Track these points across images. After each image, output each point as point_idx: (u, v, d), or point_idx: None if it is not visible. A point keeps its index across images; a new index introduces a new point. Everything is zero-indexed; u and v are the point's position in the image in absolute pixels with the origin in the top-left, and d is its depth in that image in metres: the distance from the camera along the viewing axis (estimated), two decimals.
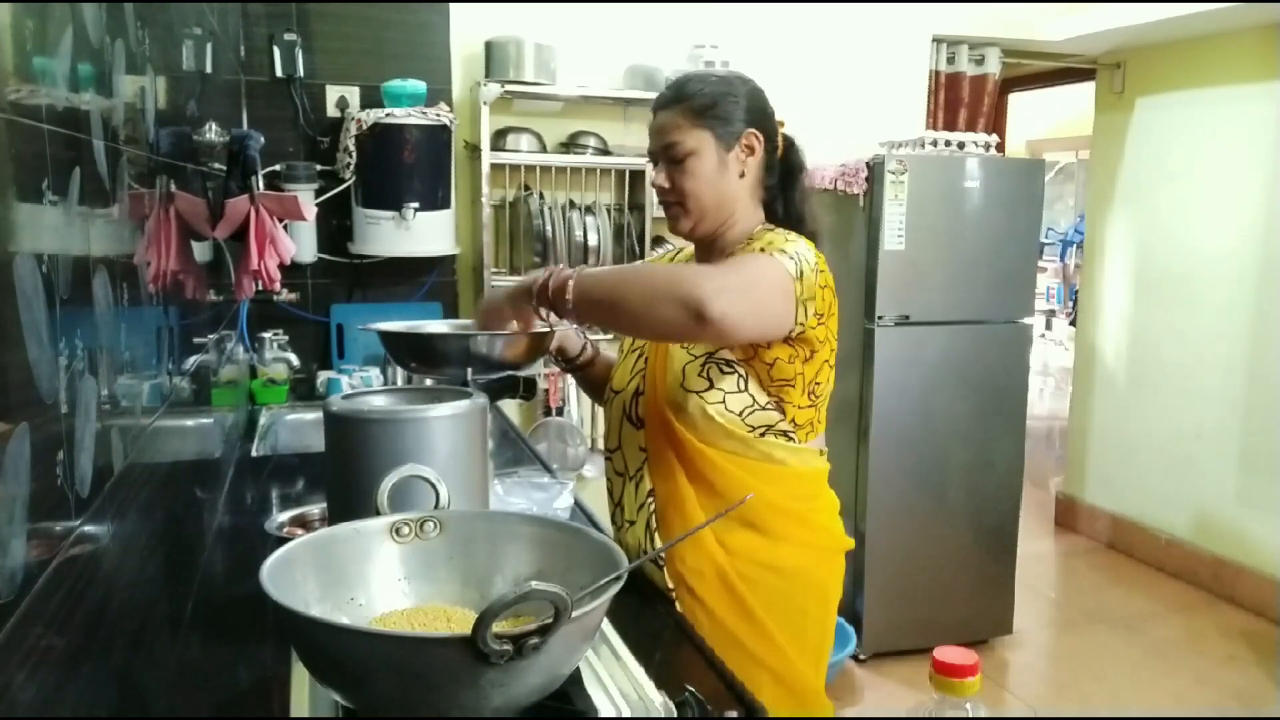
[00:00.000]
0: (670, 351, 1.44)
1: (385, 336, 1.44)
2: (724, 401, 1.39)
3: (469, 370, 1.38)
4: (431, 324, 1.57)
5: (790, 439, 1.42)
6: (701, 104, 1.41)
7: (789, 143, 1.52)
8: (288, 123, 3.00)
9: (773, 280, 1.30)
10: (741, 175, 1.43)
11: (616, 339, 1.65)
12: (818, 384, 1.42)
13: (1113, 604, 3.76)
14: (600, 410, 3.47)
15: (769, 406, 1.40)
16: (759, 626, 1.40)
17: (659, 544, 1.43)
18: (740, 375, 1.39)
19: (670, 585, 1.43)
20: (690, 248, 1.59)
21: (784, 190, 1.51)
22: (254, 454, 2.30)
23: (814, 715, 1.45)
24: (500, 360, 1.39)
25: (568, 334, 1.62)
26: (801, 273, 1.32)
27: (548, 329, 1.42)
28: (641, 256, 3.35)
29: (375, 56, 3.05)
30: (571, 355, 1.65)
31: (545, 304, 1.32)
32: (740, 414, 1.39)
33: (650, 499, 1.46)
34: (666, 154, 1.43)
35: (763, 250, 1.34)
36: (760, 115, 1.45)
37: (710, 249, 1.48)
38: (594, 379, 1.67)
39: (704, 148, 1.40)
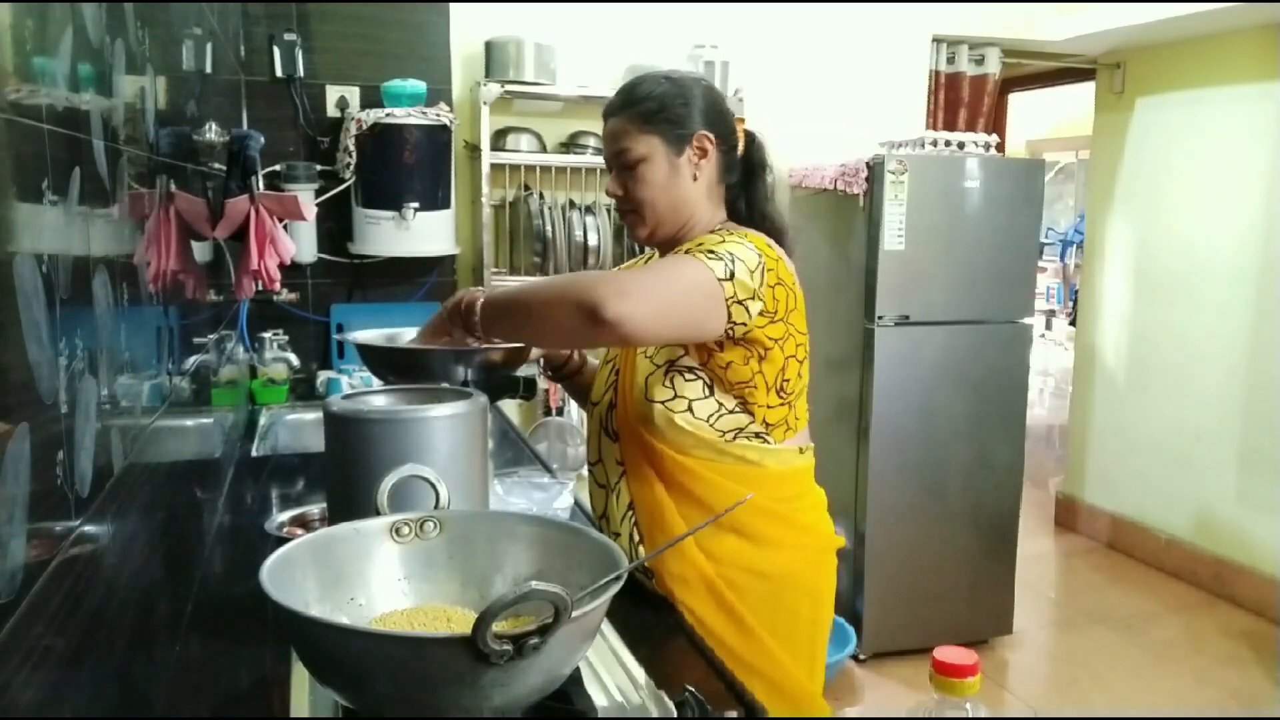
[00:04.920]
0: (636, 364, 1.42)
1: (363, 349, 1.44)
2: (690, 409, 1.37)
3: (468, 374, 1.38)
4: (409, 333, 1.55)
5: (765, 440, 1.40)
6: (649, 109, 1.39)
7: (750, 139, 1.49)
8: (288, 123, 2.99)
9: (688, 281, 1.26)
10: (695, 178, 1.41)
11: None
12: (786, 380, 1.39)
13: (1113, 604, 3.76)
14: None
15: (736, 410, 1.38)
16: (748, 632, 1.38)
17: (643, 555, 1.41)
18: (704, 381, 1.37)
19: (660, 596, 1.42)
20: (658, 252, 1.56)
21: (746, 189, 1.49)
22: (254, 454, 2.30)
23: (812, 717, 1.44)
24: (476, 373, 1.39)
25: None
26: (733, 273, 1.27)
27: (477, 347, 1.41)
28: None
29: (375, 56, 3.05)
30: (558, 364, 1.64)
31: (459, 323, 1.32)
32: (708, 420, 1.37)
33: (631, 511, 1.44)
34: (618, 161, 1.41)
35: (689, 251, 1.31)
36: (713, 116, 1.42)
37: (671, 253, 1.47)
38: (583, 387, 1.64)
39: (654, 153, 1.39)
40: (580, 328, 1.20)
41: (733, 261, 1.28)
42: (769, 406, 1.39)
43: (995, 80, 4.04)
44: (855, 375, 3.15)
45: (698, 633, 1.32)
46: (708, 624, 1.37)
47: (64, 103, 0.79)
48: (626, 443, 1.44)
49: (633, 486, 1.44)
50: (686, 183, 1.41)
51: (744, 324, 1.31)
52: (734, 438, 1.38)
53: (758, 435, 1.40)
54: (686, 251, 1.32)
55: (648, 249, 1.60)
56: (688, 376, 1.37)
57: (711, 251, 1.29)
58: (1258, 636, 3.45)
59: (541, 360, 1.62)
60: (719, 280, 1.26)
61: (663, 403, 1.37)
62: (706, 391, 1.37)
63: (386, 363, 1.45)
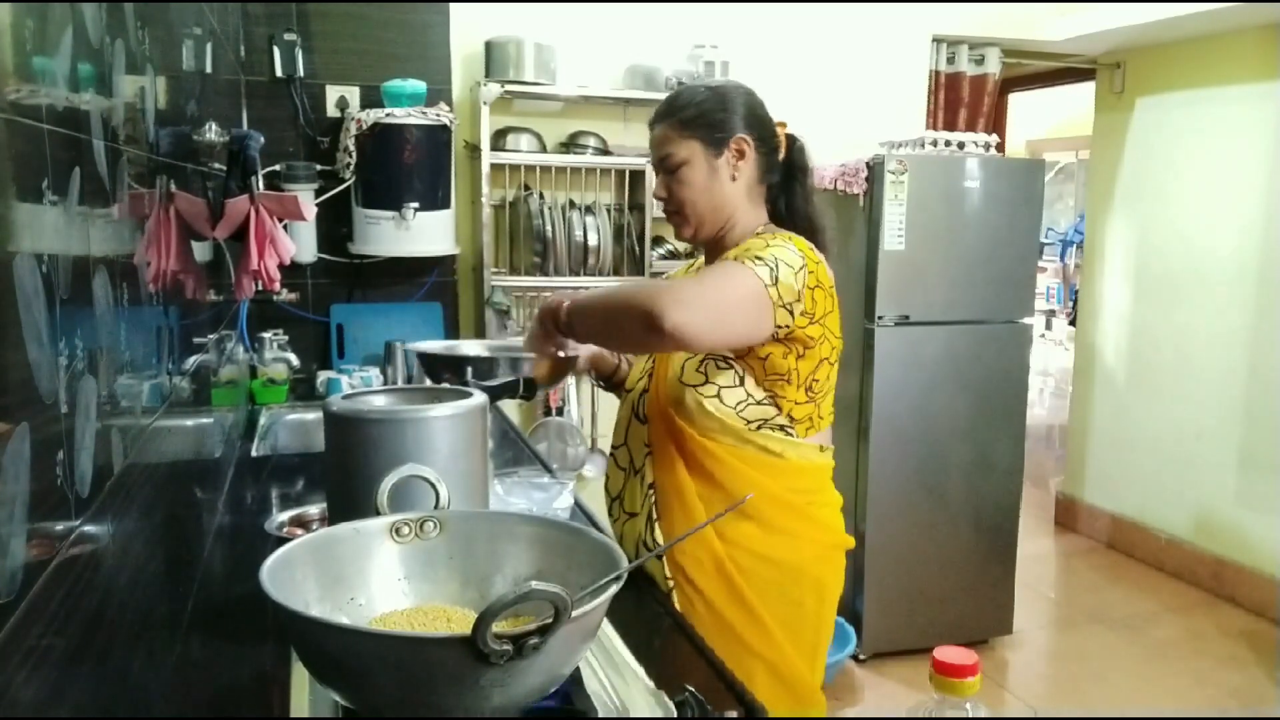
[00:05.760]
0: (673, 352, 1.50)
1: (422, 357, 1.56)
2: (719, 395, 1.43)
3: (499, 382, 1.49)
4: (466, 344, 1.68)
5: (788, 433, 1.45)
6: (689, 115, 1.47)
7: (792, 142, 1.55)
8: (288, 123, 3.00)
9: (740, 289, 1.32)
10: (734, 179, 1.48)
11: None
12: (816, 380, 1.45)
13: (1113, 604, 3.76)
14: (600, 410, 3.51)
15: (765, 401, 1.44)
16: (754, 616, 1.44)
17: (658, 534, 1.49)
18: (736, 371, 1.43)
19: (669, 575, 1.48)
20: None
21: (786, 190, 1.55)
22: (254, 454, 2.30)
23: (806, 707, 1.48)
24: (534, 380, 1.51)
25: (601, 353, 1.68)
26: (778, 278, 1.34)
27: (567, 354, 1.51)
28: (642, 257, 3.35)
29: (375, 56, 3.05)
30: (607, 373, 1.72)
31: (552, 326, 1.41)
32: (735, 407, 1.43)
33: (651, 491, 1.51)
34: (662, 165, 1.50)
35: (738, 258, 1.37)
36: (752, 120, 1.49)
37: (715, 251, 1.54)
38: None
39: (694, 156, 1.47)
40: (643, 335, 1.29)
41: (777, 266, 1.35)
42: (797, 403, 1.45)
43: (995, 80, 4.04)
44: (855, 375, 3.15)
45: (697, 619, 1.37)
46: (715, 606, 1.43)
47: (64, 103, 0.79)
48: (655, 425, 1.51)
49: (657, 468, 1.51)
50: (726, 183, 1.48)
51: (786, 326, 1.37)
52: (758, 427, 1.44)
53: (781, 428, 1.45)
54: (735, 259, 1.37)
55: (667, 248, 1.64)
56: (720, 365, 1.44)
57: (758, 257, 1.35)
58: (1258, 636, 3.45)
59: (592, 371, 1.71)
60: (766, 286, 1.33)
61: (694, 387, 1.45)
62: (737, 381, 1.43)
63: (449, 369, 1.55)
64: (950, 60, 3.98)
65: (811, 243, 1.47)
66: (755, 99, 1.52)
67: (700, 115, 1.46)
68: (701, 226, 1.51)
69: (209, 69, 1.87)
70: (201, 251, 1.69)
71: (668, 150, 1.48)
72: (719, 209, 1.49)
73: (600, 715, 0.97)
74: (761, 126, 1.50)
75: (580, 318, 1.38)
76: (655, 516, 1.50)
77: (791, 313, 1.36)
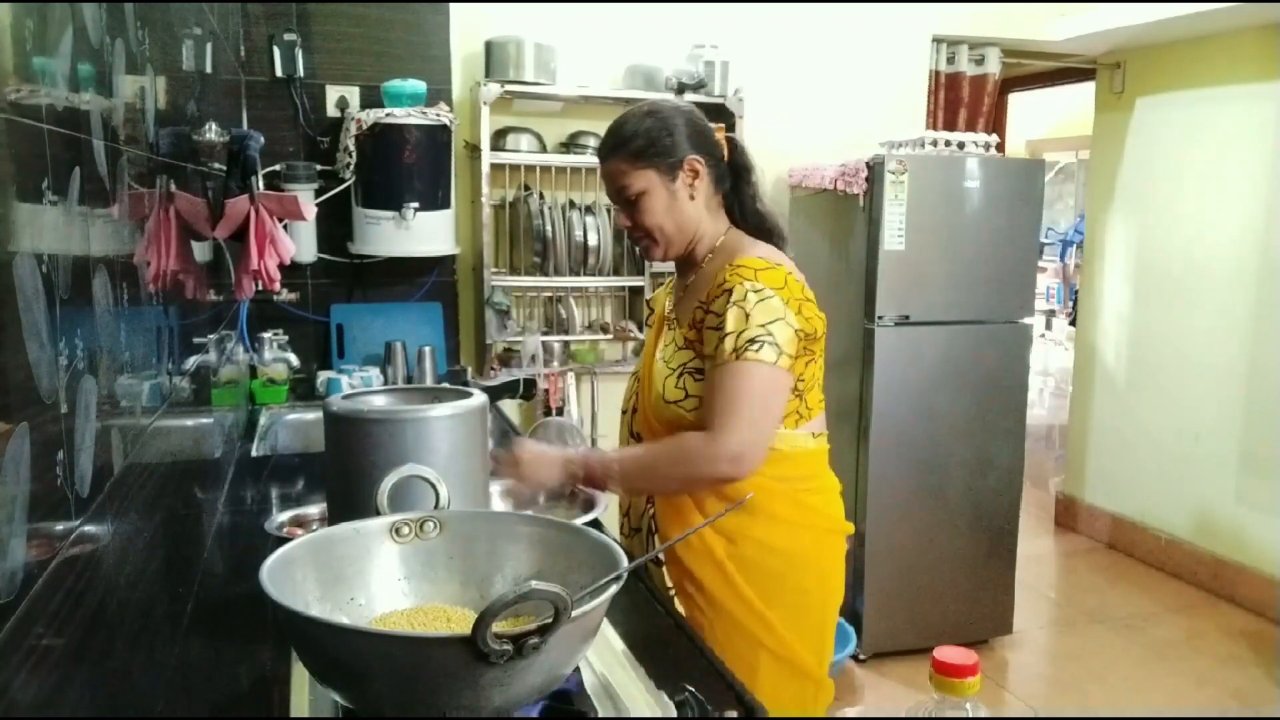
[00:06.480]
0: (654, 371, 1.54)
1: None
2: (699, 406, 1.46)
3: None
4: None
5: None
6: (638, 146, 1.48)
7: (732, 145, 1.58)
8: (288, 123, 2.99)
9: (767, 392, 1.40)
10: (692, 198, 1.51)
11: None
12: (802, 380, 1.48)
13: (1113, 604, 3.76)
14: (599, 410, 3.51)
15: None
16: (753, 607, 1.46)
17: (658, 545, 1.52)
18: None
19: (670, 585, 1.51)
20: None
21: (737, 192, 1.58)
22: (254, 454, 2.30)
23: (814, 695, 1.51)
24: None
25: None
26: (780, 345, 1.38)
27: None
28: (641, 257, 3.34)
29: (375, 56, 3.05)
30: None
31: (589, 484, 1.50)
32: None
33: (649, 505, 1.56)
34: (620, 197, 1.52)
35: (738, 353, 1.38)
36: (698, 138, 1.51)
37: (687, 264, 1.58)
38: None
39: (651, 185, 1.49)
40: (720, 487, 1.43)
41: (771, 335, 1.39)
42: None
43: (995, 80, 4.04)
44: (855, 375, 3.15)
45: (701, 614, 1.42)
46: (716, 599, 1.46)
47: (64, 103, 0.79)
48: (647, 442, 1.54)
49: None
50: (685, 204, 1.51)
51: (804, 355, 1.46)
52: None
53: None
54: (734, 351, 1.38)
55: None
56: (697, 377, 1.47)
57: (752, 340, 1.37)
58: (1258, 636, 3.45)
59: None
60: (777, 365, 1.39)
61: (675, 402, 1.48)
62: None
63: None
64: (950, 60, 3.97)
65: (768, 235, 1.54)
66: (696, 115, 1.54)
67: (650, 144, 1.48)
68: (670, 247, 1.54)
69: (209, 69, 1.87)
70: (201, 251, 1.69)
71: (623, 183, 1.49)
72: (684, 229, 1.52)
73: (600, 715, 0.97)
74: (707, 141, 1.52)
75: (636, 487, 1.51)
76: (654, 530, 1.54)
77: (800, 353, 1.43)
